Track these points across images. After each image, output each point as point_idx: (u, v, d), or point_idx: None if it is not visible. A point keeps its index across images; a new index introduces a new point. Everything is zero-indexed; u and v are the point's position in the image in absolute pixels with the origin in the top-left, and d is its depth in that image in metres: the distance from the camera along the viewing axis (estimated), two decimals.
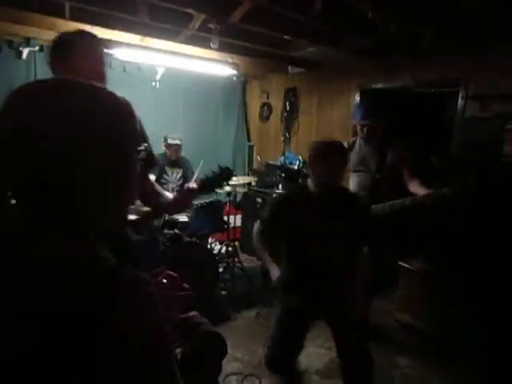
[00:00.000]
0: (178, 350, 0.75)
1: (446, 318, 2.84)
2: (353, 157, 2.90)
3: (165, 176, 3.92)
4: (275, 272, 1.94)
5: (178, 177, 4.02)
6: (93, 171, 0.55)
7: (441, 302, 2.90)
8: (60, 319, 0.49)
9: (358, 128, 2.84)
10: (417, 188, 2.59)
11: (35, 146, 0.52)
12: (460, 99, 3.21)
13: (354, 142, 2.96)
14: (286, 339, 2.02)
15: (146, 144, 1.63)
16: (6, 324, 0.50)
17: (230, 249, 3.71)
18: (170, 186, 3.97)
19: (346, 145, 2.94)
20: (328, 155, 1.89)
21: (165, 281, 0.82)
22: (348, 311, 2.01)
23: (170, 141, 3.88)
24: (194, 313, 0.82)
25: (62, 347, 0.49)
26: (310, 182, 2.00)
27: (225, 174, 1.73)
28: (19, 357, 0.48)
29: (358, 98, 4.03)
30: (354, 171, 2.90)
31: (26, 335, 0.49)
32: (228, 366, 2.57)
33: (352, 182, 2.93)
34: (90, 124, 0.55)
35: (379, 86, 3.86)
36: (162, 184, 3.89)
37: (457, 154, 3.22)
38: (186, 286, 0.82)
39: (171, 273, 0.83)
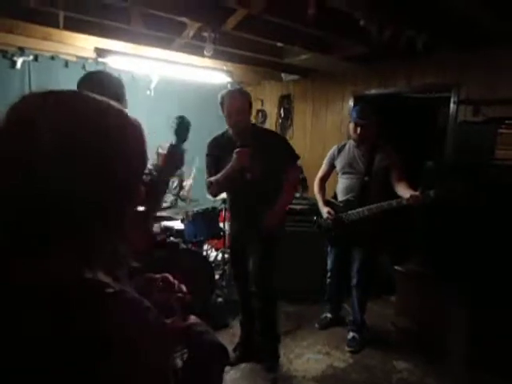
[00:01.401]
0: (181, 358, 0.74)
1: (442, 322, 2.85)
2: (341, 159, 2.95)
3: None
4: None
5: (175, 185, 4.02)
6: (87, 195, 0.54)
7: (437, 306, 2.91)
8: (55, 342, 0.49)
9: (352, 128, 2.86)
10: (404, 190, 2.64)
11: (31, 163, 0.51)
12: (452, 104, 3.25)
13: (344, 145, 3.01)
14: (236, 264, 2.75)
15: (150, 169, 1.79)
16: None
17: (225, 256, 3.70)
18: (167, 195, 3.96)
19: (336, 148, 3.03)
20: (229, 103, 2.48)
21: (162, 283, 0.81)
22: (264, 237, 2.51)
23: (160, 150, 3.86)
24: (195, 319, 0.82)
25: (58, 371, 0.48)
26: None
27: (181, 123, 1.99)
28: (17, 374, 0.48)
29: (351, 104, 4.06)
30: (343, 173, 2.94)
31: (19, 357, 0.49)
32: (225, 372, 2.56)
33: (340, 184, 2.97)
34: (91, 145, 0.53)
35: (373, 91, 3.90)
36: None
37: (450, 157, 3.25)
38: (183, 287, 0.82)
39: (168, 275, 0.83)
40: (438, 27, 2.73)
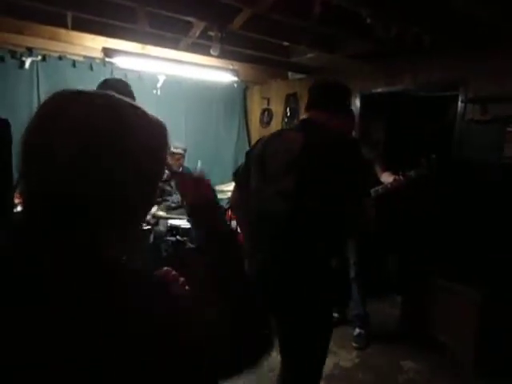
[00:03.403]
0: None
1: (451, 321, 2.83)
2: None
3: (167, 188, 3.93)
4: None
5: None
6: (114, 189, 0.56)
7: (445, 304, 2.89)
8: (74, 318, 0.50)
9: None
10: (387, 178, 2.80)
11: (58, 159, 0.53)
12: (460, 102, 3.22)
13: None
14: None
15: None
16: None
17: None
18: (175, 196, 3.98)
19: None
20: None
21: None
22: None
23: (172, 149, 3.91)
24: None
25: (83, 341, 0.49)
26: None
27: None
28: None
29: (358, 102, 4.04)
30: None
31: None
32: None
33: None
34: (119, 145, 0.55)
35: (379, 90, 3.87)
36: (165, 193, 3.91)
37: (457, 156, 3.23)
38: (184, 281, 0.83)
39: (170, 269, 0.84)
40: (444, 25, 2.71)
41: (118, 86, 2.05)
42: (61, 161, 0.53)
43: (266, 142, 1.65)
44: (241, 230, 1.88)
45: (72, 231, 0.55)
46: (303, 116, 1.68)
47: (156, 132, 0.63)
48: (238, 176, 1.76)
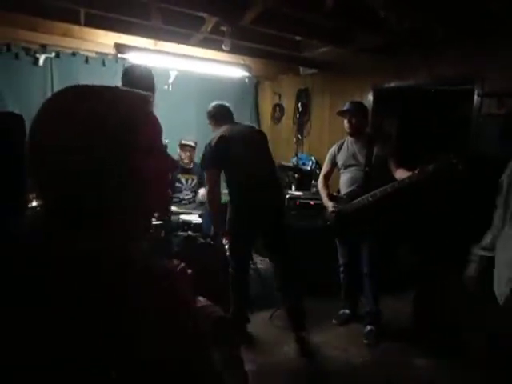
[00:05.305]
0: None
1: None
2: (342, 156, 3.13)
3: (177, 184, 3.95)
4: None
5: (193, 183, 4.04)
6: (110, 173, 0.56)
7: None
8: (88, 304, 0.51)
9: (345, 124, 3.07)
10: (403, 174, 2.75)
11: (59, 152, 0.54)
12: (476, 96, 3.16)
13: (342, 143, 3.19)
14: None
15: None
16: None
17: None
18: (185, 192, 4.00)
19: (336, 146, 3.22)
20: None
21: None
22: None
23: (183, 141, 3.93)
24: (204, 301, 0.82)
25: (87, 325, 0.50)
26: None
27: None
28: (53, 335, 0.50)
29: (371, 97, 4.00)
30: (345, 167, 3.09)
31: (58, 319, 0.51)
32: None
33: (343, 177, 3.11)
34: (105, 128, 0.55)
35: (392, 84, 3.82)
36: (175, 190, 3.92)
37: (474, 150, 3.18)
38: (187, 269, 0.83)
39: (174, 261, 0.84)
40: (459, 17, 2.66)
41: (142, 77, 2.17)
42: (59, 165, 0.53)
43: (229, 138, 2.96)
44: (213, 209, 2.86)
45: (73, 232, 0.55)
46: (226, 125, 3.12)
47: (140, 107, 0.63)
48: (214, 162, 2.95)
